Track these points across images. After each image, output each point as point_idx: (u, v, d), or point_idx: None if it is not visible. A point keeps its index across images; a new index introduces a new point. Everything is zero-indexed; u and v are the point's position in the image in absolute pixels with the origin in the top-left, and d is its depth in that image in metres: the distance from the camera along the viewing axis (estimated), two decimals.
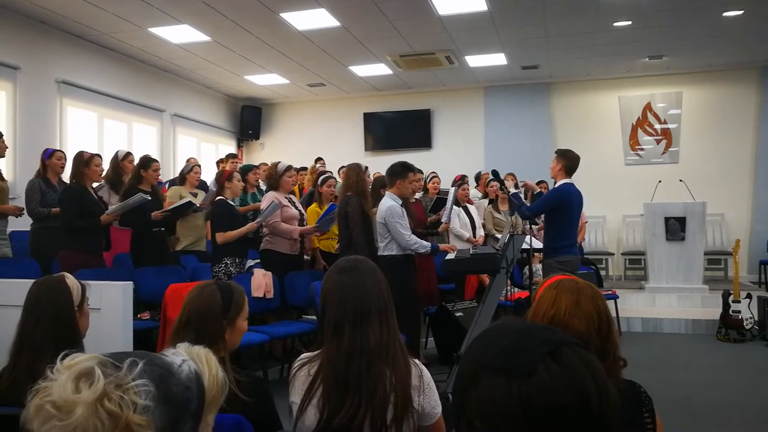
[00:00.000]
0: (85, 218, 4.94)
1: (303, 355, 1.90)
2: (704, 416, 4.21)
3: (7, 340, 2.12)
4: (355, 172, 5.34)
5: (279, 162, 5.68)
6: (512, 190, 5.35)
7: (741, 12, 7.56)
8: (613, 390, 0.75)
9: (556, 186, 5.20)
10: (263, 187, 6.48)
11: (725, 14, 7.65)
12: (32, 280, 2.28)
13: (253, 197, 6.65)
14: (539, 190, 5.97)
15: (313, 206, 6.04)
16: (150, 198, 5.28)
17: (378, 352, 1.77)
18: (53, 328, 2.11)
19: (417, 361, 1.86)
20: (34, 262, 5.11)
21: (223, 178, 5.28)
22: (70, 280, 2.24)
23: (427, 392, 1.81)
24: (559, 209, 4.99)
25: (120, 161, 6.12)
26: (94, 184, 5.43)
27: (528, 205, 5.56)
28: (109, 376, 0.81)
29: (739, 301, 6.53)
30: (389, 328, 1.83)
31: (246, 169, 6.69)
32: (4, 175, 5.46)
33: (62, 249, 4.95)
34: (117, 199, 5.57)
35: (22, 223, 5.68)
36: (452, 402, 0.80)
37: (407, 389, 1.77)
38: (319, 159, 9.22)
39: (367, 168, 6.15)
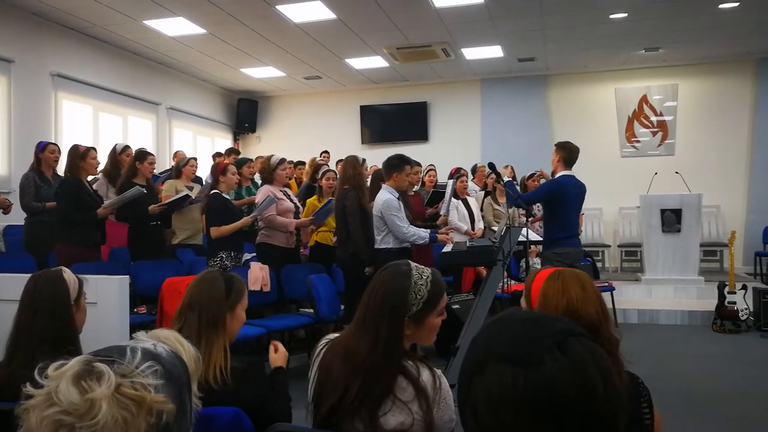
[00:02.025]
0: (82, 211, 4.93)
1: (327, 336, 1.83)
2: (700, 406, 4.24)
3: (3, 335, 2.11)
4: (352, 165, 5.33)
5: (272, 155, 5.67)
6: (506, 178, 5.34)
7: (737, 4, 7.55)
8: (619, 382, 0.75)
9: (554, 177, 5.21)
10: (258, 180, 6.46)
11: (721, 6, 7.64)
12: (28, 275, 2.26)
13: (248, 191, 6.64)
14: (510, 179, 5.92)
15: (313, 199, 6.03)
16: (146, 191, 5.28)
17: (387, 351, 1.66)
18: (50, 322, 2.09)
19: (436, 369, 1.73)
20: (30, 257, 5.09)
21: (218, 171, 5.26)
22: (68, 274, 2.23)
23: (442, 405, 1.66)
24: (555, 200, 4.98)
25: (118, 155, 6.10)
26: (89, 178, 5.41)
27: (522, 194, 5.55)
28: (112, 368, 0.81)
29: (735, 293, 6.56)
30: (401, 330, 1.71)
31: (240, 163, 6.68)
32: None
33: (58, 243, 4.93)
34: (115, 192, 5.55)
35: (16, 218, 5.65)
36: (458, 388, 0.80)
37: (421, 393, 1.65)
38: (324, 152, 9.18)
39: (364, 161, 6.14)
